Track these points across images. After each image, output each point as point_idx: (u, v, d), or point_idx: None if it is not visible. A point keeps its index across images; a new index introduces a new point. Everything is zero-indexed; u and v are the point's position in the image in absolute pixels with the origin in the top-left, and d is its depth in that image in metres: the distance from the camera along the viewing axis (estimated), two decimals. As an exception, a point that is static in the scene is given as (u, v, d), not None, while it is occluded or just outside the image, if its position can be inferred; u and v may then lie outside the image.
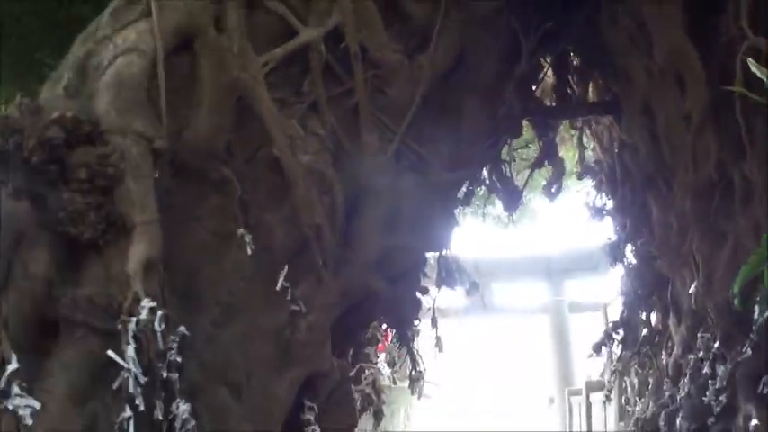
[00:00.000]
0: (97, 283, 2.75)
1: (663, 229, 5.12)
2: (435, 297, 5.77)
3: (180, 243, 3.12)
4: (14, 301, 2.68)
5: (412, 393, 5.70)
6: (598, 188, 7.07)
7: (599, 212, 6.96)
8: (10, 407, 2.39)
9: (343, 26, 3.66)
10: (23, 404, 2.40)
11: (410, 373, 5.36)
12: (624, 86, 4.98)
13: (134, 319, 2.63)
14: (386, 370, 6.36)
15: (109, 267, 2.78)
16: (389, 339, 5.83)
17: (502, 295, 17.07)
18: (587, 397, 11.63)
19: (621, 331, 6.58)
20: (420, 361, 5.44)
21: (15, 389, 2.41)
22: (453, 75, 4.20)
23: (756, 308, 3.55)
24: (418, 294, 5.06)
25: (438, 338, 6.24)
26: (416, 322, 5.30)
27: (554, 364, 17.18)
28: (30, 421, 2.39)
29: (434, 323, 5.97)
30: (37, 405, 2.42)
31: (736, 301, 3.42)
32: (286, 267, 3.48)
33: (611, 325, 6.85)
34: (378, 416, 5.43)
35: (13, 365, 2.43)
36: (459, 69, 4.23)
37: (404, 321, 5.07)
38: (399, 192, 4.06)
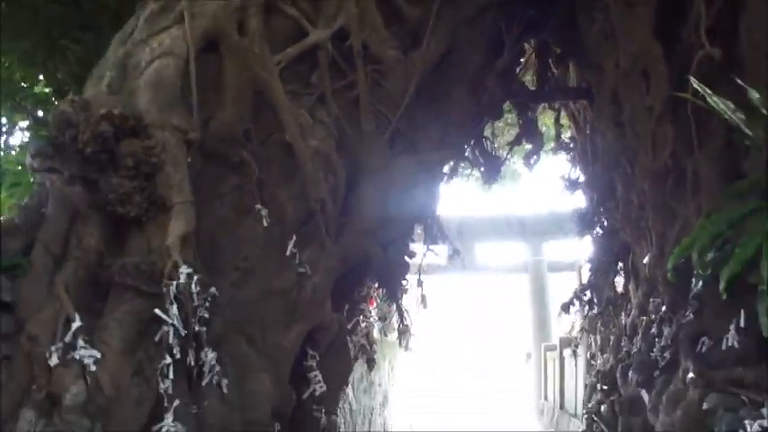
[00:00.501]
0: (141, 254, 3.29)
1: (625, 205, 5.68)
2: (421, 258, 6.38)
3: (205, 218, 3.65)
4: (72, 269, 3.21)
5: (399, 345, 6.33)
6: (572, 162, 7.63)
7: (573, 185, 7.52)
8: (77, 357, 2.94)
9: (348, 27, 4.16)
10: (87, 354, 2.95)
11: (398, 326, 5.95)
12: (596, 77, 5.49)
13: (174, 282, 3.18)
14: (377, 324, 7.00)
15: (151, 240, 3.33)
16: (380, 296, 6.45)
17: (483, 254, 17.61)
18: (561, 352, 12.26)
19: (588, 293, 7.20)
20: (407, 316, 6.05)
21: (80, 342, 2.96)
22: (443, 68, 4.71)
23: (694, 280, 4.15)
24: (406, 258, 5.64)
25: (423, 296, 6.83)
26: (404, 282, 5.89)
27: (533, 321, 17.73)
28: (93, 368, 2.95)
29: (420, 283, 6.56)
30: (98, 355, 2.98)
31: (669, 275, 4.07)
32: (294, 237, 4.04)
33: (579, 287, 7.48)
34: (370, 364, 6.08)
35: (77, 323, 2.97)
36: (448, 63, 4.73)
37: (393, 281, 5.64)
38: (393, 171, 4.61)
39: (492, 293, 24.07)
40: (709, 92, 3.59)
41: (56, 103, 5.38)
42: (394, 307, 6.11)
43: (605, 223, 6.80)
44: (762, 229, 3.52)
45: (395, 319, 5.98)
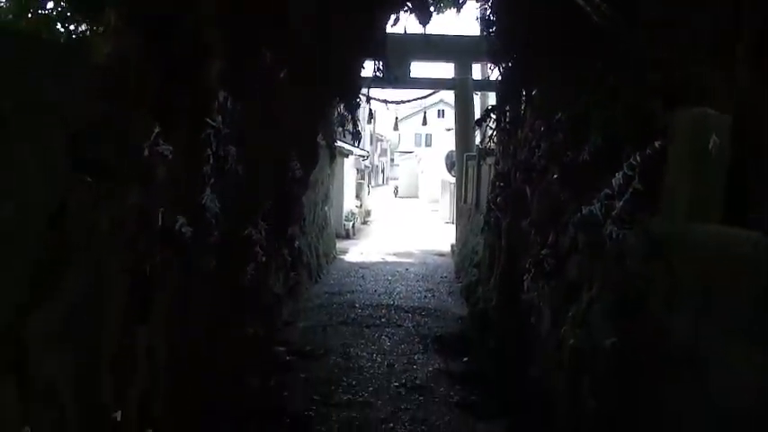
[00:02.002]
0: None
1: (524, 47, 7.33)
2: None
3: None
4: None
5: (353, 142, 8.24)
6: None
7: (487, 24, 8.92)
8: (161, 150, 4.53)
9: None
10: (166, 149, 4.53)
11: (352, 131, 7.73)
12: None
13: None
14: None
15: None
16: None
17: (417, 71, 18.97)
18: (478, 161, 14.31)
19: (496, 113, 8.98)
20: (359, 123, 7.84)
21: (161, 141, 4.54)
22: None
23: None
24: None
25: (371, 111, 8.58)
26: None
27: (458, 133, 19.62)
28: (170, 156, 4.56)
29: (369, 100, 8.29)
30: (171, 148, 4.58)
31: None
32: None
33: (489, 107, 9.26)
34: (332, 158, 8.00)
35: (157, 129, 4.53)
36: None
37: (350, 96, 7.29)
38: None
39: (423, 104, 25.90)
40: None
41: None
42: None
43: (514, 56, 8.36)
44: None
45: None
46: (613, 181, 4.91)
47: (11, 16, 7.05)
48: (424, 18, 8.35)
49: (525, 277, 6.47)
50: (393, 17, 7.94)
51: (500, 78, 8.75)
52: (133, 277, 4.15)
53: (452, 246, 18.14)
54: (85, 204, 3.72)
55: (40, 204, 3.39)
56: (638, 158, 4.72)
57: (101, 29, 4.78)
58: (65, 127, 3.59)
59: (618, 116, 4.97)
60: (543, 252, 6.08)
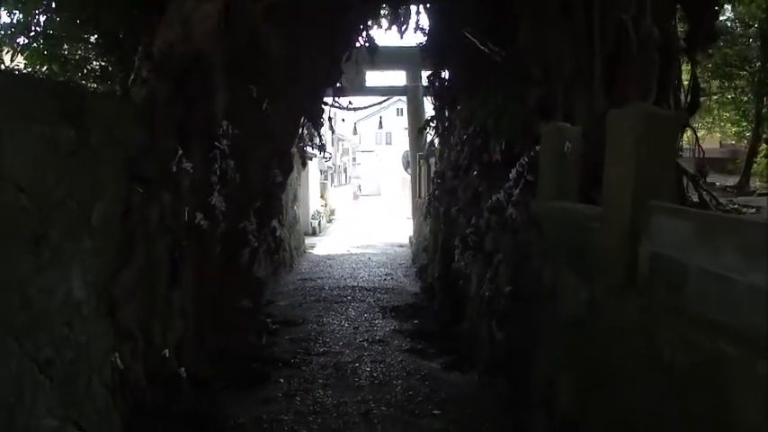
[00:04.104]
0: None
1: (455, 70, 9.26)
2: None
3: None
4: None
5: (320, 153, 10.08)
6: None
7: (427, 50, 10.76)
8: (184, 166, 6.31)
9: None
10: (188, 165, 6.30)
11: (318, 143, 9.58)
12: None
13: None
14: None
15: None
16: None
17: (372, 79, 20.77)
18: (427, 159, 16.21)
19: (435, 121, 10.91)
20: (323, 136, 9.69)
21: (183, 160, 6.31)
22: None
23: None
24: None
25: (330, 119, 10.42)
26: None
27: (410, 134, 21.49)
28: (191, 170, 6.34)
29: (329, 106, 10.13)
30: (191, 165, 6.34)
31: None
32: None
33: (429, 117, 11.18)
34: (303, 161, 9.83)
35: (180, 152, 6.31)
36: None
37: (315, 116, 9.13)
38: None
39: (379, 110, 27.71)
40: None
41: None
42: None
43: (443, 78, 10.27)
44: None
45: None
46: (510, 175, 6.82)
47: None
48: (373, 50, 10.20)
49: (456, 252, 8.38)
50: (347, 53, 9.71)
51: (434, 95, 10.69)
52: (170, 255, 5.94)
53: (410, 237, 20.04)
54: (140, 205, 5.51)
55: (116, 205, 5.18)
56: (525, 158, 6.64)
57: (133, 77, 6.52)
58: (124, 152, 5.38)
59: (507, 127, 6.83)
60: (467, 231, 7.99)
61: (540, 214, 6.07)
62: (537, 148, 6.39)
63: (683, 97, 7.76)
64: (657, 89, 6.71)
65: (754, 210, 8.92)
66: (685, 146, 24.44)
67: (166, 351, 5.77)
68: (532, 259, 6.13)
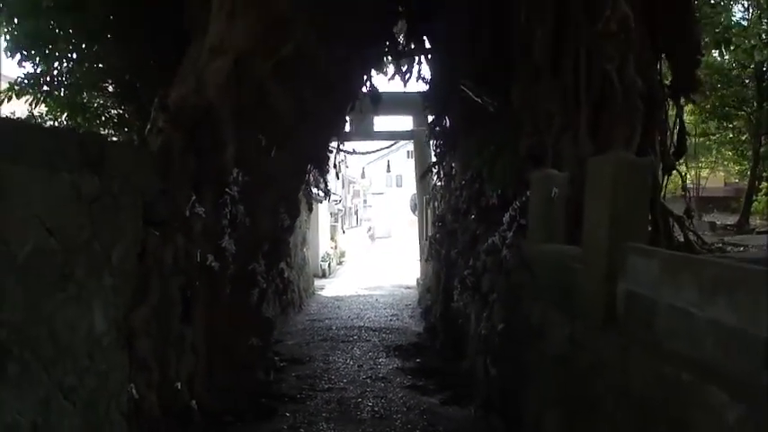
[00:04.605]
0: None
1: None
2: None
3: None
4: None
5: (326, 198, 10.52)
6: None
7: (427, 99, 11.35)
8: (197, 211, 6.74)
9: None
10: (200, 210, 6.74)
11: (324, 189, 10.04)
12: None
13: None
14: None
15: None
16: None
17: (380, 123, 21.29)
18: (432, 202, 16.61)
19: (436, 167, 11.38)
20: (329, 183, 10.16)
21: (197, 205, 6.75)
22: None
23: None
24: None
25: (337, 165, 10.89)
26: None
27: (417, 177, 21.87)
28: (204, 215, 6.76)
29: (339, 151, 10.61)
30: (203, 211, 6.78)
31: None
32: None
33: (431, 163, 11.65)
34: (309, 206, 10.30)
35: (193, 198, 6.75)
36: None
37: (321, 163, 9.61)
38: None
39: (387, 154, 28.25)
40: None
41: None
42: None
43: (444, 126, 10.80)
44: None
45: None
46: (504, 219, 7.21)
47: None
48: (376, 99, 10.74)
49: (455, 292, 8.74)
50: (352, 103, 10.23)
51: (436, 141, 11.20)
52: (183, 294, 6.34)
53: (417, 279, 20.35)
54: (155, 246, 5.92)
55: (133, 246, 5.59)
56: (518, 203, 7.03)
57: (149, 127, 6.98)
58: (141, 197, 5.80)
59: (501, 173, 7.24)
60: (466, 272, 8.36)
61: (530, 256, 6.44)
62: (528, 193, 6.79)
63: (670, 141, 8.18)
64: (642, 135, 7.11)
65: (742, 248, 9.23)
66: (689, 185, 24.92)
67: (179, 384, 6.12)
68: (523, 299, 6.48)
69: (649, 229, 7.17)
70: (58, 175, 4.44)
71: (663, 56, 8.04)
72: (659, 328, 3.92)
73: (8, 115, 9.20)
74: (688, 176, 25.06)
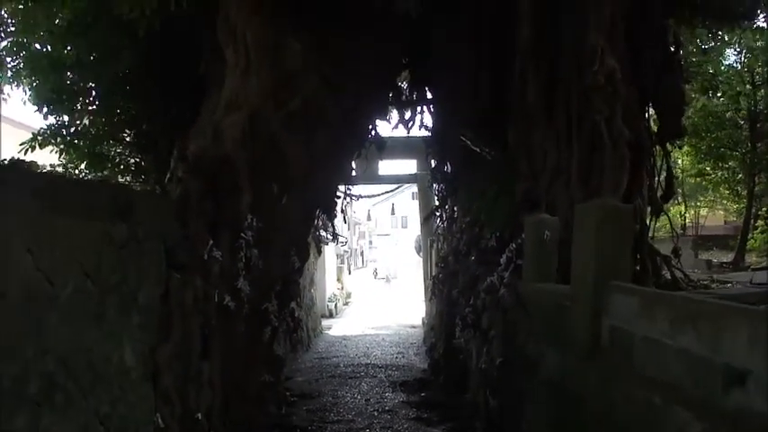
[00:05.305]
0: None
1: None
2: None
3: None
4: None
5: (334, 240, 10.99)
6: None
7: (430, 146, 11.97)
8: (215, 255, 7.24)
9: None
10: (217, 254, 7.25)
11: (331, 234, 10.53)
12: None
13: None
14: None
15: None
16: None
17: (385, 166, 21.88)
18: (436, 240, 17.08)
19: (439, 212, 11.91)
20: (336, 227, 10.65)
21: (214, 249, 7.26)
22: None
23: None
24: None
25: (344, 211, 11.40)
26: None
27: (421, 219, 22.39)
28: (220, 258, 7.26)
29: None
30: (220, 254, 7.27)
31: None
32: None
33: (434, 207, 12.18)
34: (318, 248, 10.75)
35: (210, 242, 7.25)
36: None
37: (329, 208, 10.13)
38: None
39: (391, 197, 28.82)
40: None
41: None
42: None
43: (445, 173, 11.37)
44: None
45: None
46: (501, 260, 7.68)
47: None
48: (381, 146, 11.33)
49: (457, 329, 9.18)
50: (358, 152, 10.83)
51: (438, 186, 11.77)
52: (202, 332, 6.80)
53: (422, 318, 20.73)
54: (177, 288, 6.39)
55: (157, 288, 6.07)
56: (514, 245, 7.51)
57: (169, 176, 7.51)
58: (163, 243, 6.30)
59: (498, 217, 7.74)
60: (467, 311, 8.80)
61: (524, 295, 6.90)
62: (522, 236, 7.27)
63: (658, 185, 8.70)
64: (630, 180, 7.61)
65: (729, 284, 9.66)
66: (689, 223, 25.30)
67: (199, 415, 6.55)
68: (519, 334, 6.92)
69: (638, 268, 7.68)
70: (93, 223, 4.93)
71: (649, 105, 8.59)
72: (637, 357, 4.38)
73: (32, 163, 9.73)
74: (688, 215, 25.74)
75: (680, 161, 21.38)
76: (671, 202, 23.63)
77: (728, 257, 17.62)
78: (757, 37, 13.15)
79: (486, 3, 8.62)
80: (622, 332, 4.67)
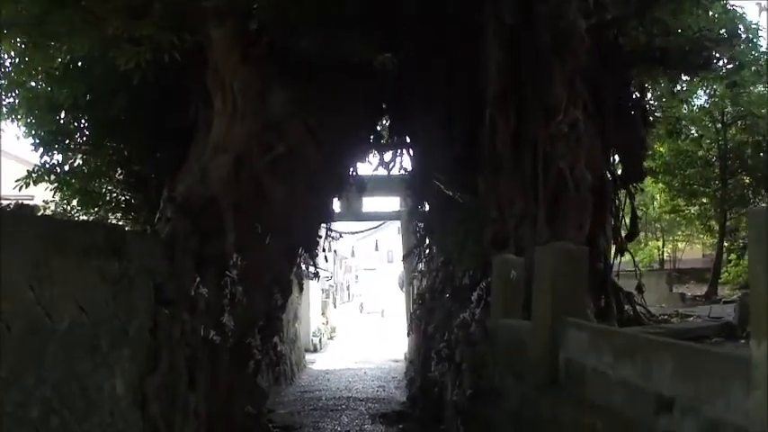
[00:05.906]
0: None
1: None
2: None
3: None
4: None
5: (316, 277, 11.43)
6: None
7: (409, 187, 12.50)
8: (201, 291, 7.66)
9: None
10: (204, 290, 7.66)
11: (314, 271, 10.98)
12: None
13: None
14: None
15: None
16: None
17: (369, 204, 22.36)
18: (416, 276, 17.52)
19: (417, 250, 12.39)
20: (317, 263, 11.10)
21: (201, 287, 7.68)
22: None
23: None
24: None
25: (329, 246, 11.85)
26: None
27: (404, 255, 22.79)
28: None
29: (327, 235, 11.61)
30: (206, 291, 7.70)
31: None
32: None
33: (413, 246, 12.67)
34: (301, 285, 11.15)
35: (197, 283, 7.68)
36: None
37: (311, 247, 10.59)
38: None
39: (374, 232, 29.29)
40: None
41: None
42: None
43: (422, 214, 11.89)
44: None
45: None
46: (473, 297, 8.14)
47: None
48: (361, 188, 11.86)
49: (433, 363, 9.61)
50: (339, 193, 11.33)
51: (416, 225, 12.28)
52: (188, 364, 7.19)
53: (405, 353, 21.05)
54: (165, 322, 6.81)
55: (146, 322, 6.49)
56: (484, 283, 7.98)
57: (158, 216, 7.95)
58: (152, 279, 6.72)
59: (469, 257, 8.22)
60: (441, 345, 9.23)
61: (492, 330, 7.35)
62: (491, 276, 7.75)
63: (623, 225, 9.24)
64: (594, 222, 8.13)
65: (691, 318, 10.12)
66: (666, 257, 25.86)
67: (185, 443, 6.92)
68: (487, 367, 7.36)
69: (602, 304, 8.16)
70: (88, 261, 5.37)
71: (612, 150, 9.15)
72: (588, 386, 4.83)
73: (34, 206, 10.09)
74: (666, 250, 26.36)
75: (658, 197, 22.04)
76: (647, 237, 24.58)
77: (703, 290, 18.13)
78: (718, 83, 13.80)
79: (458, 57, 9.18)
80: (576, 364, 5.13)
